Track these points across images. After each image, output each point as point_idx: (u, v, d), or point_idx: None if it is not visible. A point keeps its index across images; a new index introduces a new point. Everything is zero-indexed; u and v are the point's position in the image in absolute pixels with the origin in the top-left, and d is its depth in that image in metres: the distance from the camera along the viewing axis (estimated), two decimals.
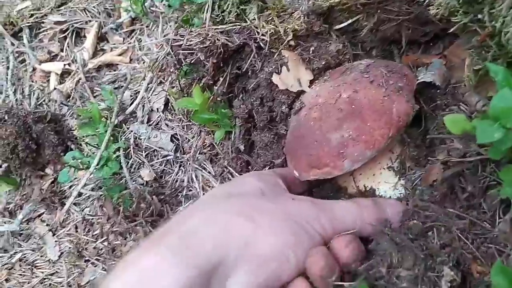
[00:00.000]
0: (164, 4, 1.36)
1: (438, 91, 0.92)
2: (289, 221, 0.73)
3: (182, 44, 0.97)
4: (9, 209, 1.38)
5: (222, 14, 1.00)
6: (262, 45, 0.97)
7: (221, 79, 1.03)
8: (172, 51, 0.97)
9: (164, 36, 1.32)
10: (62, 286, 1.21)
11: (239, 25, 0.98)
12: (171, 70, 1.01)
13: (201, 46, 0.96)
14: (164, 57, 1.00)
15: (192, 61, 0.98)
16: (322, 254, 0.71)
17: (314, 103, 0.90)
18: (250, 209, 0.73)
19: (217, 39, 0.95)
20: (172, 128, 1.21)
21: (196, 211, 0.76)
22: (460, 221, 0.77)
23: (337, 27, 0.98)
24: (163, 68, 1.03)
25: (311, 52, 0.97)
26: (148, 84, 1.28)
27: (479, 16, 0.72)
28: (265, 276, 0.68)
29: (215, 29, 0.97)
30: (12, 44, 1.51)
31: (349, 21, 0.96)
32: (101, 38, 1.47)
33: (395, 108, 0.81)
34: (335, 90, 0.87)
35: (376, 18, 0.94)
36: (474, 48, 0.79)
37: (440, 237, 0.76)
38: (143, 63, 1.33)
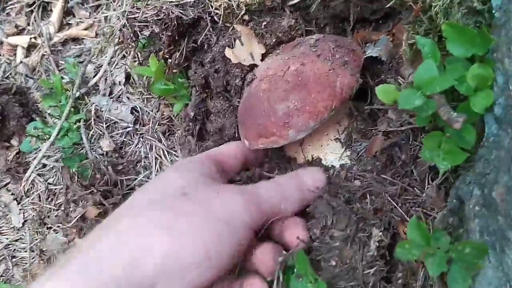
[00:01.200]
0: None
1: (384, 66, 0.96)
2: (210, 220, 0.72)
3: (137, 17, 1.00)
4: None
5: None
6: (216, 19, 1.00)
7: (178, 52, 1.06)
8: (128, 23, 1.00)
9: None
10: (25, 251, 1.23)
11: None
12: (128, 42, 1.03)
13: (156, 18, 0.98)
14: (120, 29, 1.02)
15: (148, 34, 1.01)
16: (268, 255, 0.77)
17: (264, 75, 0.93)
18: (169, 216, 0.71)
19: (171, 12, 0.97)
20: (133, 101, 1.24)
21: (116, 222, 0.72)
22: (392, 187, 0.82)
23: (290, 3, 1.01)
24: (120, 40, 1.05)
25: (263, 27, 1.00)
26: (111, 58, 1.30)
27: None
28: (185, 285, 0.68)
29: (170, 2, 0.99)
30: None
31: None
32: (68, 12, 1.47)
33: (339, 81, 0.85)
34: (284, 63, 0.91)
35: None
36: (409, 23, 0.83)
37: (373, 202, 0.81)
38: (105, 35, 1.35)
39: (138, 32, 1.00)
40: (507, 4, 0.64)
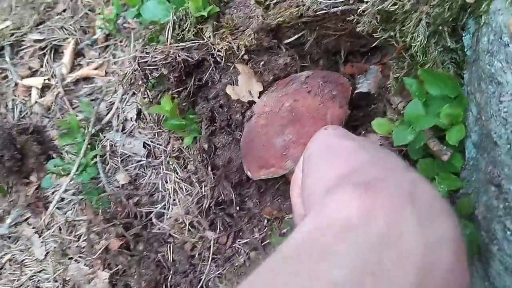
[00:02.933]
0: (136, 21, 1.47)
1: (372, 96, 1.06)
2: None
3: (147, 61, 1.09)
4: None
5: (182, 32, 1.11)
6: (219, 59, 1.09)
7: (186, 90, 1.15)
8: (139, 67, 1.09)
9: (135, 51, 1.44)
10: (49, 281, 1.31)
11: (197, 42, 1.09)
12: (140, 84, 1.12)
13: (164, 62, 1.07)
14: (132, 72, 1.11)
15: (157, 76, 1.10)
16: None
17: (262, 111, 1.03)
18: None
19: (178, 55, 1.07)
20: (144, 135, 1.32)
21: None
22: None
23: (286, 41, 1.10)
24: (132, 82, 1.13)
25: (261, 66, 1.09)
26: (122, 95, 1.39)
27: (392, 33, 0.85)
28: None
29: (176, 46, 1.08)
30: None
31: (295, 36, 1.08)
32: (78, 53, 1.57)
33: (329, 114, 0.94)
34: (279, 100, 1.00)
35: (317, 33, 1.06)
36: (394, 59, 0.92)
37: None
38: (117, 76, 1.44)
39: (149, 74, 1.09)
40: (476, 45, 0.72)
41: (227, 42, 1.07)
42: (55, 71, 1.54)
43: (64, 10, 1.60)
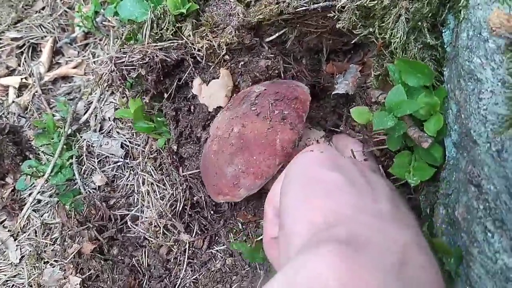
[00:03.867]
0: (115, 19, 1.44)
1: (352, 95, 1.03)
2: None
3: (124, 61, 1.05)
4: None
5: (161, 32, 1.08)
6: (199, 59, 1.06)
7: (165, 91, 1.12)
8: (116, 68, 1.06)
9: (114, 50, 1.40)
10: (24, 286, 1.26)
11: (176, 41, 1.06)
12: (118, 84, 1.09)
13: (142, 62, 1.04)
14: (109, 73, 1.08)
15: (135, 76, 1.07)
16: None
17: (215, 135, 1.00)
18: None
19: (156, 55, 1.03)
20: (122, 136, 1.29)
21: None
22: None
23: (267, 39, 1.07)
24: (109, 83, 1.10)
25: (240, 67, 1.06)
26: (100, 95, 1.36)
27: (371, 29, 0.82)
28: None
29: (154, 46, 1.05)
30: None
31: (277, 34, 1.06)
32: (57, 52, 1.53)
33: (279, 139, 0.90)
34: (229, 124, 0.97)
35: (298, 31, 1.04)
36: (374, 57, 0.90)
37: None
38: (96, 75, 1.40)
39: (126, 75, 1.06)
40: (455, 41, 0.70)
41: (207, 40, 1.04)
42: (32, 70, 1.50)
43: (43, 8, 1.57)
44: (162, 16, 1.06)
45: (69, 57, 1.52)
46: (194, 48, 1.05)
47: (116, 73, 1.06)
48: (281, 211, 0.62)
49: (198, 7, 1.04)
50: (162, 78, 1.09)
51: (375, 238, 0.51)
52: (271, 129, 0.91)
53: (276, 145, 0.90)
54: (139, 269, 1.12)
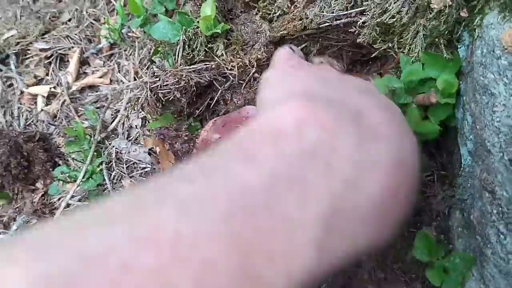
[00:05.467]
0: (140, 30, 1.51)
1: None
2: None
3: (159, 85, 1.11)
4: (3, 221, 1.50)
5: (192, 52, 1.13)
6: (231, 77, 1.12)
7: (196, 111, 1.18)
8: (151, 92, 1.11)
9: (139, 62, 1.47)
10: None
11: (208, 63, 1.11)
12: (153, 106, 1.14)
13: (177, 86, 1.10)
14: (145, 98, 1.13)
15: (169, 99, 1.12)
16: None
17: None
18: None
19: (191, 78, 1.09)
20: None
21: None
22: None
23: None
24: (143, 106, 1.16)
25: None
26: (126, 103, 1.43)
27: (390, 44, 0.88)
28: None
29: (188, 69, 1.10)
30: (0, 70, 1.63)
31: (299, 48, 1.11)
32: (83, 62, 1.60)
33: None
34: None
35: (320, 44, 1.09)
36: (393, 69, 0.96)
37: None
38: (122, 84, 1.47)
39: (161, 98, 1.11)
40: (470, 57, 0.76)
41: (239, 58, 1.09)
42: (60, 79, 1.57)
43: (69, 20, 1.64)
44: (193, 37, 1.10)
45: (95, 67, 1.58)
46: (227, 68, 1.11)
47: (152, 98, 1.11)
48: (258, 96, 0.63)
49: (229, 27, 1.10)
50: (194, 99, 1.15)
51: (341, 97, 0.53)
52: None
53: None
54: None
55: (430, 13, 0.80)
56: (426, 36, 0.83)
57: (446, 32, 0.81)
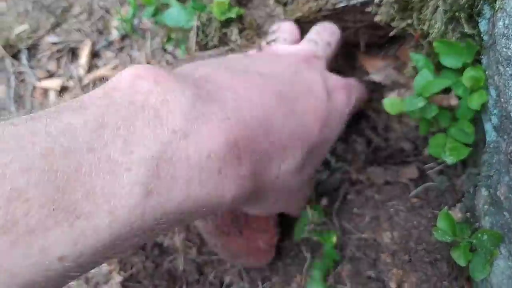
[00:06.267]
0: (151, 21, 1.50)
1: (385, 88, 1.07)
2: None
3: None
4: None
5: (206, 38, 1.11)
6: None
7: None
8: None
9: (151, 53, 1.46)
10: None
11: (222, 48, 1.09)
12: None
13: None
14: None
15: None
16: None
17: None
18: None
19: None
20: None
21: None
22: None
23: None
24: None
25: None
26: None
27: (409, 21, 0.86)
28: None
29: (202, 55, 1.08)
30: (13, 64, 1.63)
31: None
32: (95, 55, 1.60)
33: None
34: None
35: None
36: (412, 47, 0.94)
37: None
38: None
39: None
40: (492, 29, 0.74)
41: (253, 43, 1.07)
42: (72, 72, 1.57)
43: (80, 13, 1.63)
44: (207, 22, 1.09)
45: (107, 60, 1.58)
46: (241, 52, 1.09)
47: None
48: None
49: (243, 11, 1.08)
50: None
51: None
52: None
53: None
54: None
55: None
56: (446, 11, 0.81)
57: (466, 6, 0.79)
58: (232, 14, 1.04)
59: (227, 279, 1.08)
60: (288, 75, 0.74)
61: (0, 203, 0.37)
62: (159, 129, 0.46)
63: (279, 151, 0.61)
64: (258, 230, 0.91)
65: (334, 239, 0.88)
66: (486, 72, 0.78)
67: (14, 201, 0.37)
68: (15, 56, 1.65)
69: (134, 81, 0.51)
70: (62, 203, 0.39)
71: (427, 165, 0.96)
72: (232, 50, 1.10)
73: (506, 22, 0.70)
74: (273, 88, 0.66)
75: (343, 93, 0.84)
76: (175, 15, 1.11)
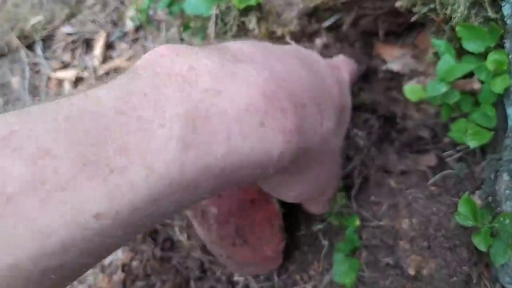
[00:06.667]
0: (166, 12, 1.50)
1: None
2: None
3: None
4: None
5: (225, 27, 1.11)
6: None
7: None
8: None
9: (167, 41, 1.46)
10: None
11: (240, 36, 1.09)
12: None
13: None
14: None
15: None
16: None
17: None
18: None
19: None
20: None
21: None
22: None
23: (325, 25, 1.12)
24: None
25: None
26: None
27: (432, 6, 0.86)
28: None
29: (220, 42, 1.09)
30: (28, 56, 1.64)
31: (333, 19, 1.10)
32: (109, 46, 1.60)
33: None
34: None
35: (355, 14, 1.08)
36: (433, 33, 0.93)
37: None
38: None
39: None
40: None
41: (272, 31, 1.07)
42: (87, 63, 1.57)
43: (94, 4, 1.64)
44: (226, 11, 1.09)
45: (121, 51, 1.58)
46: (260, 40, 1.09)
47: None
48: None
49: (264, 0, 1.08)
50: None
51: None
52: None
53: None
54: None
55: None
56: None
57: None
58: (252, 2, 1.04)
59: None
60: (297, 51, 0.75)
61: (27, 161, 0.36)
62: (189, 91, 0.46)
63: (317, 108, 0.60)
64: (263, 238, 0.89)
65: (357, 222, 0.88)
66: (510, 56, 0.77)
67: (41, 159, 0.36)
68: (30, 47, 1.66)
69: (156, 59, 0.50)
70: (93, 158, 0.38)
71: (446, 152, 0.95)
72: (249, 38, 1.10)
73: None
74: (294, 54, 0.66)
75: (340, 69, 0.87)
76: (195, 3, 1.11)
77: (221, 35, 1.11)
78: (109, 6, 1.62)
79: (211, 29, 1.10)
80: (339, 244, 0.89)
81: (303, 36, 1.10)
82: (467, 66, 0.79)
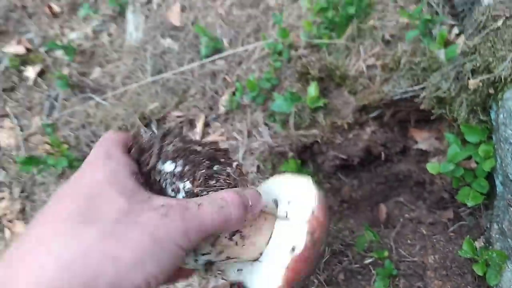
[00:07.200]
0: (250, 100, 1.99)
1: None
2: (154, 250, 0.60)
3: (277, 145, 1.57)
4: None
5: (300, 120, 1.58)
6: (326, 139, 1.56)
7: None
8: (272, 151, 1.58)
9: (251, 124, 1.95)
10: None
11: (312, 129, 1.55)
12: (270, 160, 1.61)
13: (290, 146, 1.56)
14: (270, 154, 1.60)
15: (280, 152, 1.58)
16: None
17: None
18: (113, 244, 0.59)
19: (300, 141, 1.54)
20: None
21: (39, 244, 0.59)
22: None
23: (371, 115, 1.56)
24: (265, 159, 1.63)
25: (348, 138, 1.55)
26: (242, 154, 1.89)
27: (443, 110, 1.29)
28: None
29: (297, 133, 1.55)
30: (145, 132, 2.14)
31: (377, 112, 1.54)
32: (207, 124, 2.10)
33: None
34: None
35: (393, 110, 1.52)
36: (447, 126, 1.36)
37: None
38: (237, 140, 1.95)
39: (277, 153, 1.57)
40: (497, 118, 1.15)
41: (334, 122, 1.53)
42: (191, 138, 2.06)
43: (195, 93, 2.16)
44: (301, 108, 1.56)
45: (215, 128, 2.08)
46: (324, 131, 1.54)
47: (271, 154, 1.58)
48: None
49: (327, 101, 1.55)
50: (300, 154, 1.59)
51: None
52: None
53: None
54: None
55: (469, 90, 1.21)
56: (468, 105, 1.23)
57: (480, 103, 1.21)
58: (320, 103, 1.51)
59: None
60: None
61: None
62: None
63: None
64: None
65: (386, 253, 1.28)
66: (495, 146, 1.19)
67: None
68: (147, 125, 2.18)
69: None
70: None
71: (460, 209, 1.35)
72: (318, 128, 1.56)
73: (505, 115, 1.11)
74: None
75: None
76: (279, 104, 1.58)
77: (297, 126, 1.58)
78: (207, 95, 2.13)
79: (291, 121, 1.57)
80: (378, 270, 1.28)
81: (355, 125, 1.54)
82: (466, 152, 1.21)
